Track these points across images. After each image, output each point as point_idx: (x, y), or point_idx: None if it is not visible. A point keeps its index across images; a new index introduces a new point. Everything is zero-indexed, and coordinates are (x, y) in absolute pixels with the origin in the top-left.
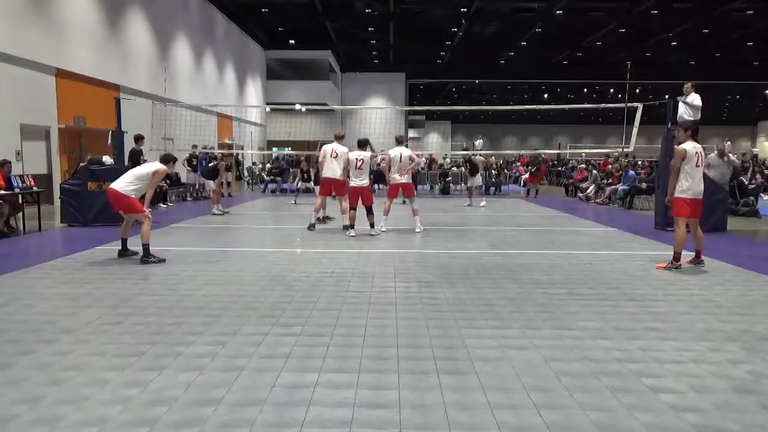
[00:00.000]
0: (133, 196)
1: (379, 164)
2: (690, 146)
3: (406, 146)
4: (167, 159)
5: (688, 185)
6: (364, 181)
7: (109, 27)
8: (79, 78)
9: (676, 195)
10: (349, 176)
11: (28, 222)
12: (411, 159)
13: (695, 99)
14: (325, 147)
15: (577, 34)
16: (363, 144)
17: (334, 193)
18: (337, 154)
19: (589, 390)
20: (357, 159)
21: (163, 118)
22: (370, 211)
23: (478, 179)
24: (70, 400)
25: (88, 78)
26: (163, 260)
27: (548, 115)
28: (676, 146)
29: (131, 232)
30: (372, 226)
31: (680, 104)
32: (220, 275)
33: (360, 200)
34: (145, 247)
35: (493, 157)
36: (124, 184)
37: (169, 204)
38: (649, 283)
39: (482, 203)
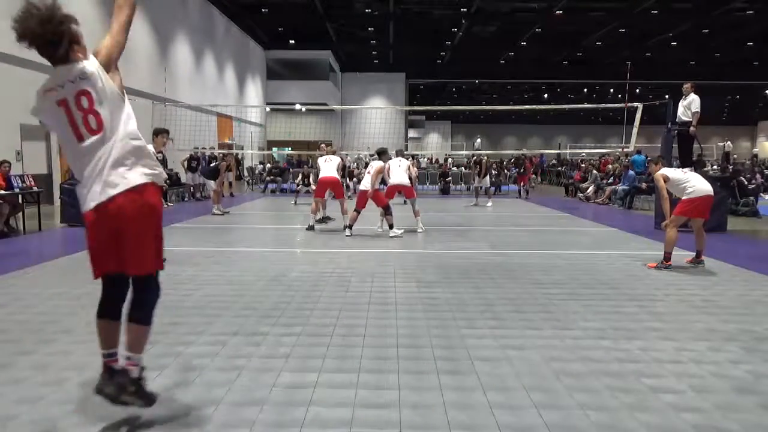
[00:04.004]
0: None
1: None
2: (668, 169)
3: (406, 149)
4: (157, 131)
5: (691, 189)
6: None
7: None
8: None
9: (684, 197)
10: (344, 177)
11: (28, 222)
12: (409, 169)
13: (695, 100)
14: (318, 160)
15: (577, 34)
16: (383, 153)
17: (333, 195)
18: (330, 161)
19: (589, 390)
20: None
21: (163, 118)
22: (387, 212)
23: (486, 181)
24: (70, 400)
25: None
26: (164, 259)
27: (548, 115)
28: (654, 176)
29: None
30: (391, 227)
31: (679, 105)
32: (220, 275)
33: (374, 203)
34: None
35: (486, 158)
36: None
37: (169, 204)
38: (649, 283)
39: (488, 204)
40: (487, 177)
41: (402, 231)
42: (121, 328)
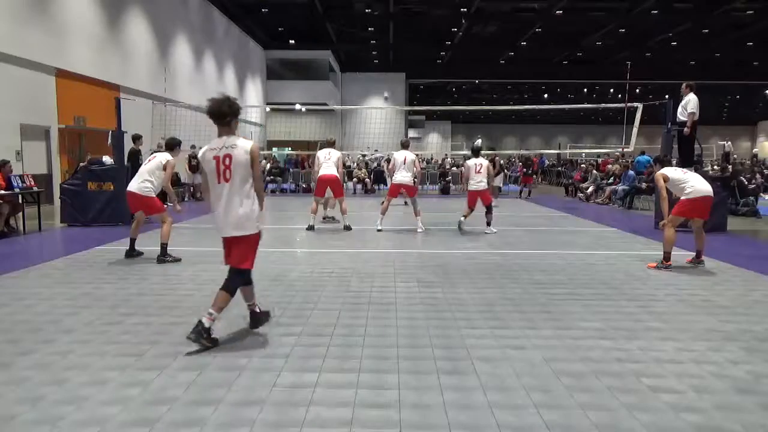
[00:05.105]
0: (152, 195)
1: (379, 164)
2: (668, 169)
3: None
4: (172, 144)
5: (690, 189)
6: (482, 184)
7: (109, 27)
8: (79, 78)
9: (682, 197)
10: (342, 175)
11: (28, 222)
12: (414, 164)
13: (691, 101)
14: (318, 153)
15: (577, 34)
16: (477, 151)
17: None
18: (330, 157)
19: (589, 390)
20: (476, 164)
21: (163, 118)
22: (489, 210)
23: (498, 180)
24: (70, 400)
25: (88, 78)
26: (179, 260)
27: (548, 115)
28: (654, 175)
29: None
30: (488, 224)
31: (679, 105)
32: (220, 275)
33: (480, 201)
34: (164, 246)
35: (497, 157)
36: (140, 183)
37: (169, 204)
38: (649, 283)
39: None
40: (500, 177)
41: (496, 230)
42: (251, 290)
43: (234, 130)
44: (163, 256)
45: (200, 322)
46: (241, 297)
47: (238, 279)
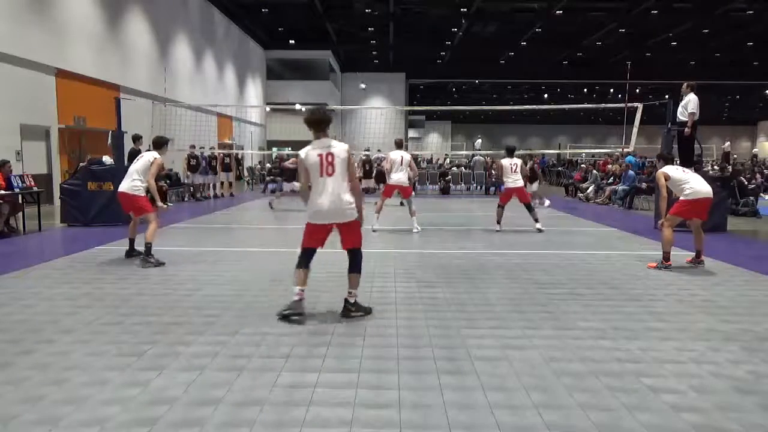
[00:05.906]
0: (143, 195)
1: (379, 164)
2: (670, 168)
3: (407, 149)
4: (160, 143)
5: (689, 190)
6: (519, 182)
7: (109, 27)
8: (79, 78)
9: (681, 197)
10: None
11: (28, 222)
12: (410, 166)
13: (691, 101)
14: None
15: (577, 34)
16: (512, 151)
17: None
18: None
19: (589, 390)
20: (512, 164)
21: (163, 118)
22: (530, 209)
23: (534, 186)
24: (70, 400)
25: (88, 78)
26: (163, 263)
27: (548, 115)
28: (656, 173)
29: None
30: (536, 220)
31: (679, 105)
32: (220, 275)
33: (518, 199)
34: (148, 246)
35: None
36: (130, 183)
37: (169, 204)
38: (649, 283)
39: (546, 203)
40: (536, 183)
41: (544, 230)
42: (309, 274)
43: (328, 134)
44: (147, 256)
45: (346, 300)
46: (296, 284)
47: (360, 257)
